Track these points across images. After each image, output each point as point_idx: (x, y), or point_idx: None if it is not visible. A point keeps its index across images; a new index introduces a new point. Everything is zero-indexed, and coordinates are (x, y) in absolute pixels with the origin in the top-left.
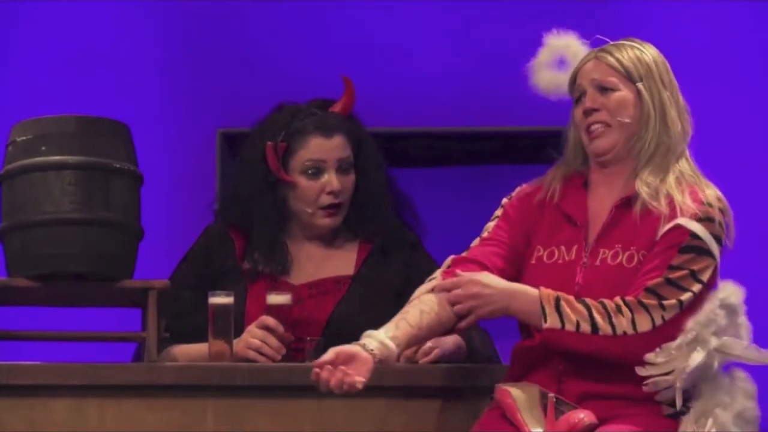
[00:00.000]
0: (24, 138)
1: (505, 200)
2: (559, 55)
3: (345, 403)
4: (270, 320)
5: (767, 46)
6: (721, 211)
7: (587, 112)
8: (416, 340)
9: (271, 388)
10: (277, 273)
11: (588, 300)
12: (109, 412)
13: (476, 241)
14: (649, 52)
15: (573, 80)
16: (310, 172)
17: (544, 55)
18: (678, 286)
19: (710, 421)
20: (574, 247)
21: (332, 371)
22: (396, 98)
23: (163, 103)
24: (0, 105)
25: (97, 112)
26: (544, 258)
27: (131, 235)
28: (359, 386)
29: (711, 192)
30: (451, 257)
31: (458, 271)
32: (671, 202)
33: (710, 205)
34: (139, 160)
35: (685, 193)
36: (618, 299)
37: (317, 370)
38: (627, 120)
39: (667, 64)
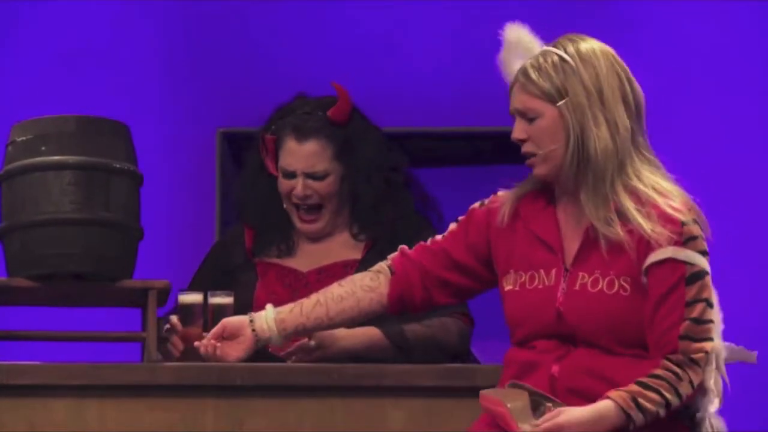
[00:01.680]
0: (24, 138)
1: (475, 205)
2: (519, 51)
3: (345, 402)
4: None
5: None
6: (696, 221)
7: (519, 144)
8: (304, 329)
9: (271, 388)
10: (282, 255)
11: (652, 382)
12: (109, 412)
13: (430, 240)
14: (573, 57)
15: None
16: (282, 173)
17: (507, 52)
18: (702, 321)
19: None
20: (553, 271)
21: (209, 345)
22: (396, 98)
23: (163, 103)
24: (0, 105)
25: (97, 112)
26: (527, 284)
27: (131, 235)
28: (229, 359)
29: (679, 205)
30: (400, 249)
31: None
32: (633, 230)
33: (687, 223)
34: (139, 160)
35: (652, 217)
36: (669, 364)
37: (199, 341)
38: (554, 146)
39: (599, 60)
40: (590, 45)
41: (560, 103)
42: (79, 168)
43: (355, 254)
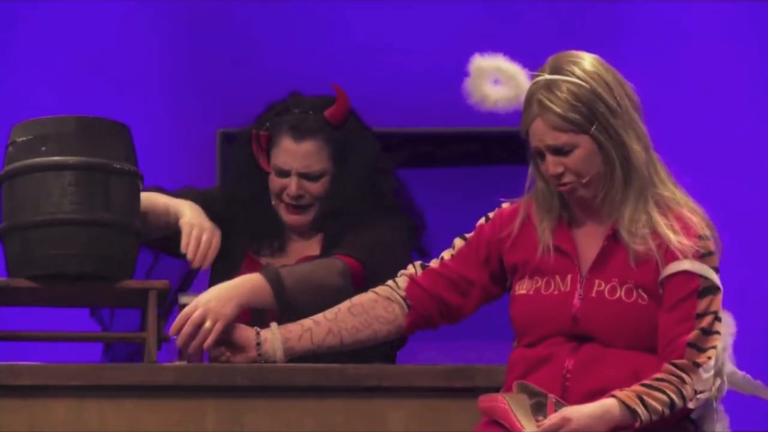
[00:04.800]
0: (24, 138)
1: (482, 221)
2: (493, 77)
3: (345, 403)
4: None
5: (766, 45)
6: (713, 237)
7: (555, 177)
8: (312, 354)
9: (271, 388)
10: (275, 253)
11: (657, 383)
12: (109, 412)
13: (436, 262)
14: (586, 81)
15: (525, 132)
16: (276, 171)
17: (478, 78)
18: (710, 332)
19: None
20: (569, 277)
21: (218, 351)
22: (394, 99)
23: (163, 103)
24: (0, 105)
25: (98, 113)
26: (542, 289)
27: (131, 235)
28: (233, 361)
29: (698, 219)
30: (406, 274)
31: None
32: (662, 244)
33: (706, 237)
34: (139, 160)
35: (676, 228)
36: (673, 368)
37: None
38: (595, 170)
39: (606, 74)
40: (588, 61)
41: (592, 129)
42: (80, 168)
43: (314, 250)
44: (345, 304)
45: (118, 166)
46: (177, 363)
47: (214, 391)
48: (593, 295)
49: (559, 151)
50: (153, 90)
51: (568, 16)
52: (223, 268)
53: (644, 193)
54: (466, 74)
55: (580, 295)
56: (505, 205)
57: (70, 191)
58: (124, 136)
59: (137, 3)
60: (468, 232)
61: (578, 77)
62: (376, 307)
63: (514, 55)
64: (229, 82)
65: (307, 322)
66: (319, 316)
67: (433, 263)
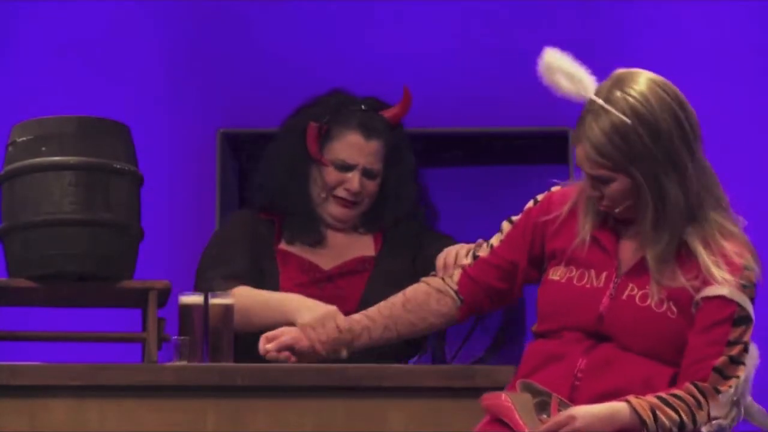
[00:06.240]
0: (24, 138)
1: (530, 204)
2: (561, 73)
3: (345, 403)
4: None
5: (766, 46)
6: (755, 269)
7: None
8: (369, 348)
9: (271, 388)
10: (313, 243)
11: (672, 400)
12: (110, 412)
13: (486, 249)
14: (630, 118)
15: (574, 143)
16: (337, 165)
17: (548, 72)
18: (738, 362)
19: None
20: (604, 274)
21: (283, 356)
22: (396, 100)
23: (163, 103)
24: (0, 105)
25: (98, 113)
26: (575, 279)
27: (131, 235)
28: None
29: (742, 249)
30: (461, 268)
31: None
32: (700, 275)
33: (748, 268)
34: (139, 160)
35: (720, 265)
36: (693, 389)
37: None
38: (630, 202)
39: (657, 111)
40: (642, 91)
41: (629, 168)
42: (80, 168)
43: (368, 251)
44: (399, 299)
45: (118, 166)
46: (177, 363)
47: (215, 391)
48: (624, 298)
49: (596, 179)
50: (153, 90)
51: (569, 18)
52: (259, 268)
53: (677, 233)
54: (466, 74)
55: (611, 294)
56: (555, 189)
57: (70, 191)
58: (124, 136)
59: (137, 3)
60: (468, 232)
61: (625, 114)
62: (429, 301)
63: (520, 55)
64: (229, 82)
65: (363, 320)
66: (374, 312)
67: (483, 251)
